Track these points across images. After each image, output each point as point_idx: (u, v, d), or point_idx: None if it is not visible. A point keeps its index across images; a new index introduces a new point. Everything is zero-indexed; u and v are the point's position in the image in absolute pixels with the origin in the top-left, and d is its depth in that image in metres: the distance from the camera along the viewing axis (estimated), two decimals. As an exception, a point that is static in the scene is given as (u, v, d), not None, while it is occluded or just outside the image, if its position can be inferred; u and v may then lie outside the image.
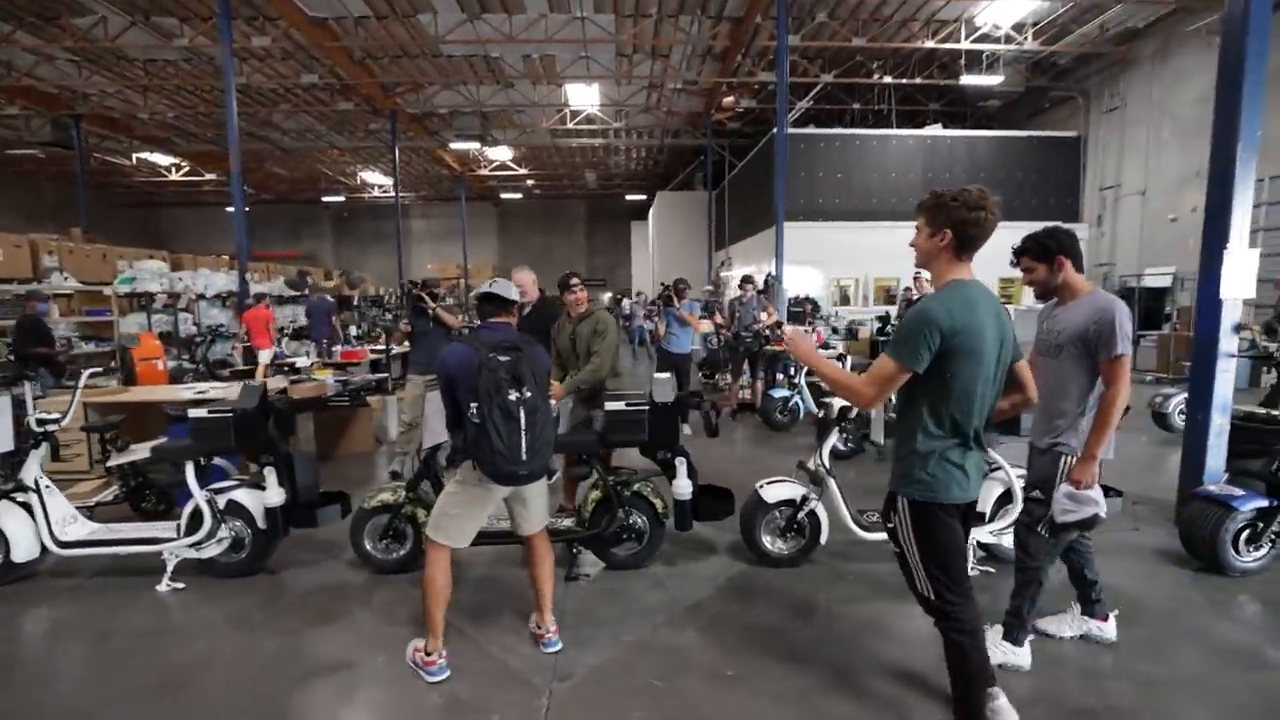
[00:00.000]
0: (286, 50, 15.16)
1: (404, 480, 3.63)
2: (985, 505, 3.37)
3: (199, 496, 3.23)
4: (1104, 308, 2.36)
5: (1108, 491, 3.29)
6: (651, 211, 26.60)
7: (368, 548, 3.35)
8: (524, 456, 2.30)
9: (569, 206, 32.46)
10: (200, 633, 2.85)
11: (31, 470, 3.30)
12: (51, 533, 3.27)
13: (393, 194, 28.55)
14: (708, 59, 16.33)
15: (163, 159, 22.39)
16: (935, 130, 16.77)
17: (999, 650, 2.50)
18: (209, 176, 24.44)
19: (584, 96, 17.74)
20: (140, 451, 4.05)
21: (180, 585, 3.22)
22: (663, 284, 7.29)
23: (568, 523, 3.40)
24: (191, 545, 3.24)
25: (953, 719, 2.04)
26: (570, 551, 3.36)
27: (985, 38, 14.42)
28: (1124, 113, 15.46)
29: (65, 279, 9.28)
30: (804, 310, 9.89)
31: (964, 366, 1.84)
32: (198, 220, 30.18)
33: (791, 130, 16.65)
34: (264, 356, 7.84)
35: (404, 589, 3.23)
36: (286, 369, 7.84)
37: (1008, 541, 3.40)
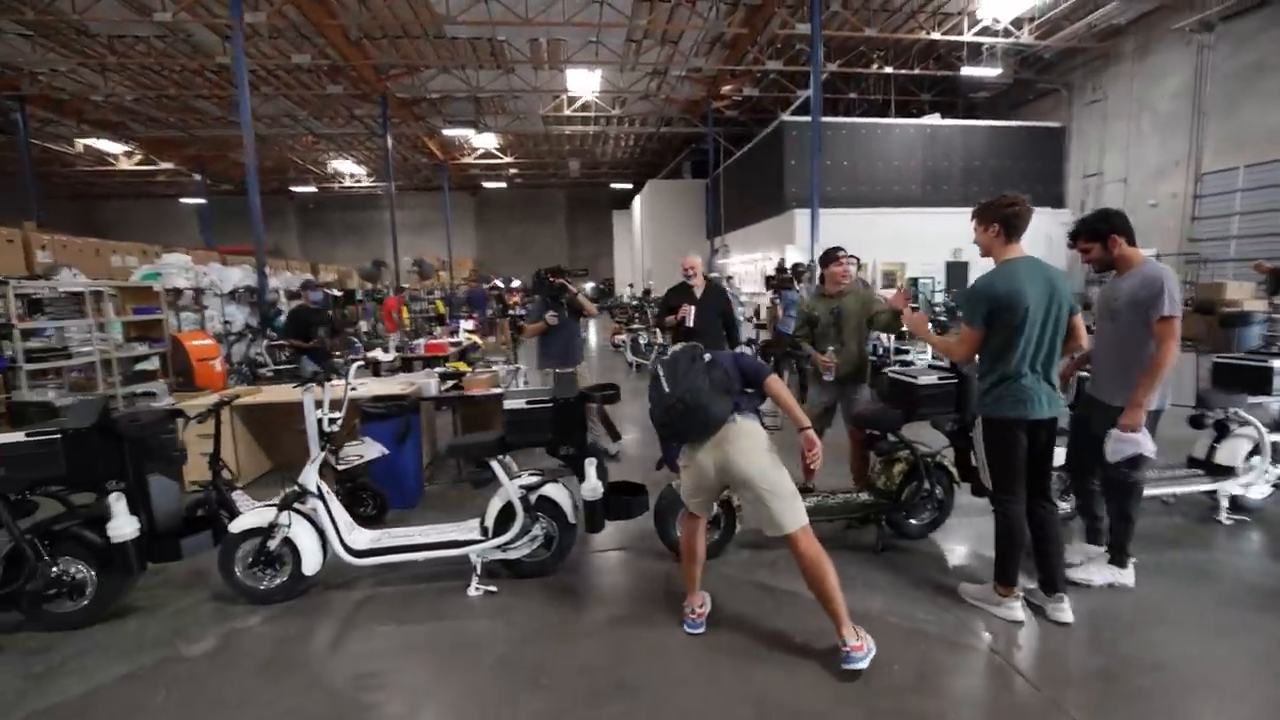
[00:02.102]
0: (277, 28, 14.16)
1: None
2: (1234, 460, 3.64)
3: (513, 493, 3.05)
4: (1153, 275, 2.63)
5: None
6: (639, 200, 26.50)
7: (677, 535, 3.27)
8: (666, 387, 2.40)
9: (549, 195, 31.86)
10: (580, 633, 2.69)
11: (313, 475, 3.03)
12: (343, 541, 3.02)
13: (366, 184, 27.37)
14: (716, 46, 16.36)
15: (113, 147, 20.48)
16: (934, 120, 17.44)
17: (1106, 573, 2.91)
18: (163, 166, 22.55)
19: (585, 82, 17.41)
20: (360, 452, 3.78)
21: (493, 588, 3.05)
22: (779, 269, 7.32)
23: (865, 497, 3.43)
24: (500, 545, 3.07)
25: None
26: (878, 525, 3.39)
27: (985, 31, 15.10)
28: (1105, 105, 16.56)
29: (75, 275, 8.42)
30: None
31: (1008, 320, 2.49)
32: (146, 213, 27.77)
33: (798, 118, 16.99)
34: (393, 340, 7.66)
35: (737, 570, 3.18)
36: (367, 364, 7.43)
37: (1254, 493, 3.70)
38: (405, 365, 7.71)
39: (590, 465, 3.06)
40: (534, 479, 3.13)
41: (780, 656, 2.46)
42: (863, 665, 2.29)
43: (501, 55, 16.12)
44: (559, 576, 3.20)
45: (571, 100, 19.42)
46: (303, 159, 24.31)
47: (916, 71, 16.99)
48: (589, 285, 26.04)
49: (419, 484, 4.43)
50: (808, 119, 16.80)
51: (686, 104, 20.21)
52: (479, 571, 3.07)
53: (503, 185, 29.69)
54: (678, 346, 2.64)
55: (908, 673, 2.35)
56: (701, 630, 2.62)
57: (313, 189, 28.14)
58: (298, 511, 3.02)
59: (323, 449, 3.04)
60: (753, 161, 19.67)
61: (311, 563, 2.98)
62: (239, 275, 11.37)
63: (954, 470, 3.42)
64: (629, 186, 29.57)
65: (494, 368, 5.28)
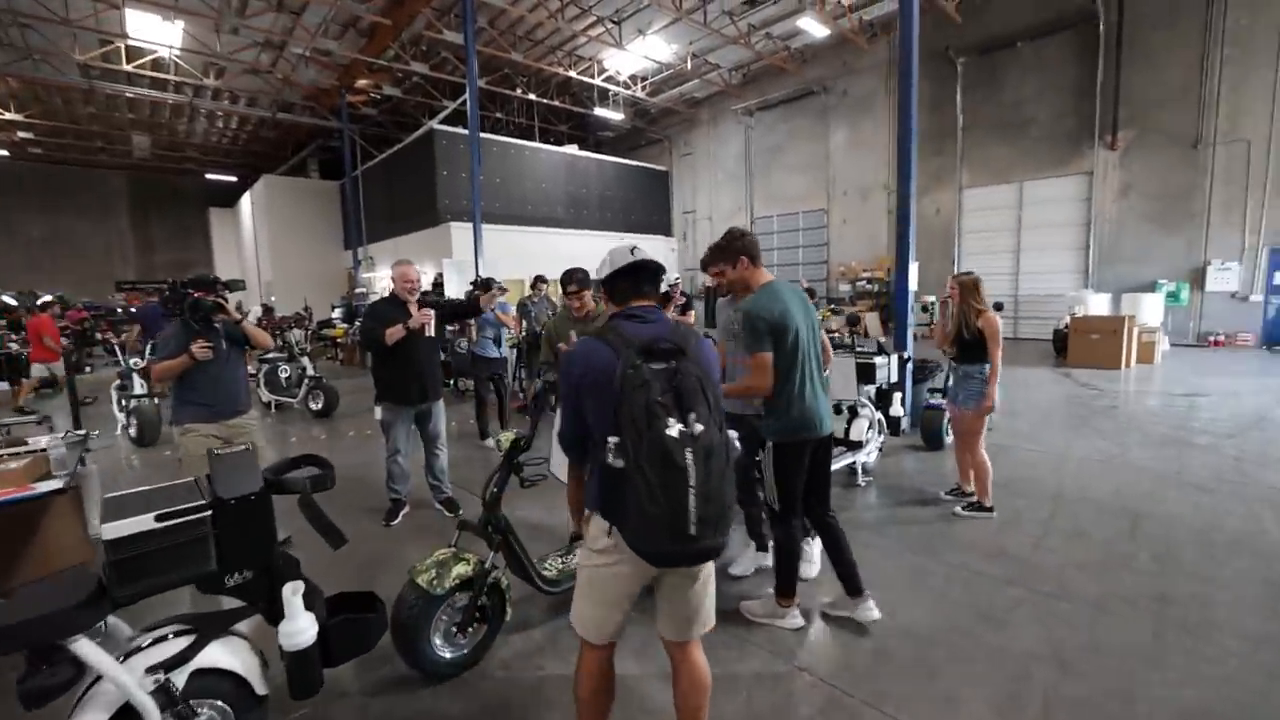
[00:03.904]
0: None
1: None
2: (862, 435, 4.70)
3: (133, 689, 1.66)
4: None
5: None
6: (251, 197, 21.56)
7: (436, 649, 2.36)
8: (692, 527, 1.44)
9: (102, 179, 22.82)
10: None
11: None
12: None
13: None
14: (351, 31, 14.38)
15: None
16: (574, 150, 19.08)
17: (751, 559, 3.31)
18: None
19: (157, 31, 13.06)
20: None
21: None
22: (471, 284, 6.59)
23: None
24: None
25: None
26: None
27: (610, 79, 17.26)
28: (694, 158, 20.91)
29: None
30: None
31: (785, 339, 2.50)
32: None
33: (448, 128, 16.36)
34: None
35: (523, 667, 2.46)
36: None
37: (871, 460, 4.86)
38: None
39: (294, 594, 1.93)
40: (178, 645, 1.81)
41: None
42: None
43: (-10, -42, 10.72)
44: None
45: (136, 53, 14.30)
46: None
47: (556, 103, 18.28)
48: (256, 310, 18.41)
49: None
50: (458, 130, 16.30)
51: (313, 91, 17.24)
52: None
53: (2, 154, 20.10)
54: (697, 428, 1.47)
55: None
56: None
57: None
58: None
59: None
60: (399, 167, 18.09)
61: None
62: None
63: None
64: (232, 179, 23.74)
65: (39, 443, 3.13)
